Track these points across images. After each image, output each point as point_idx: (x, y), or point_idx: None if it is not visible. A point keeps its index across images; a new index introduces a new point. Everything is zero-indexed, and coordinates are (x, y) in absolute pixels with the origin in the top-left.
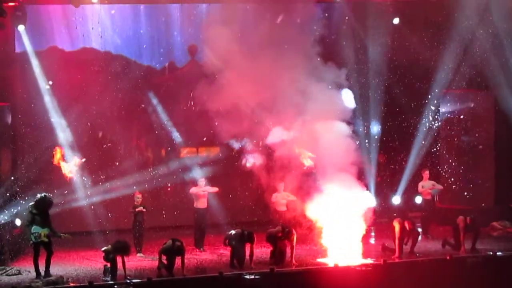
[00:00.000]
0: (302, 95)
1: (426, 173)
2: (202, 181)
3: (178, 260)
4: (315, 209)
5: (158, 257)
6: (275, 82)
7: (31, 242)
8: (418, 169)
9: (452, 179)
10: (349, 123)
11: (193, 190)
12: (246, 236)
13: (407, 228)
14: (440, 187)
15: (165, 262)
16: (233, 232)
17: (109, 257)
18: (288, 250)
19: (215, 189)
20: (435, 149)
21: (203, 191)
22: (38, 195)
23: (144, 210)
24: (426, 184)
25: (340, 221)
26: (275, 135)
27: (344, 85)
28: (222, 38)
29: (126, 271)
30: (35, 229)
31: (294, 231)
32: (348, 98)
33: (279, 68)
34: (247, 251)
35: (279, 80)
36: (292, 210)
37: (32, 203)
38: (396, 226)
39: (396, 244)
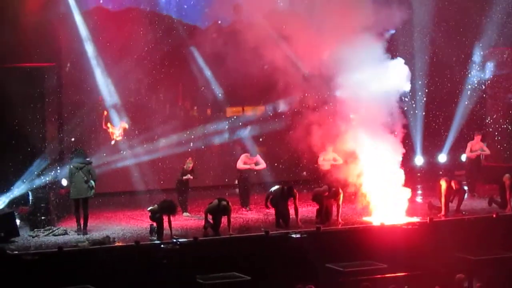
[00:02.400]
0: (349, 53)
1: (478, 137)
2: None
3: (224, 220)
4: (359, 170)
5: (204, 217)
6: (323, 39)
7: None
8: (465, 127)
9: (499, 137)
10: None
11: (240, 165)
12: (286, 191)
13: (454, 187)
14: (487, 152)
15: (211, 221)
16: (272, 189)
17: (155, 216)
18: (334, 209)
19: (263, 166)
20: (481, 106)
21: (251, 167)
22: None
23: (191, 177)
24: (475, 149)
25: (384, 180)
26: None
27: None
28: None
29: (172, 231)
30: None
31: (340, 191)
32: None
33: (327, 24)
34: (291, 209)
35: (328, 36)
36: (337, 173)
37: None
38: (443, 184)
39: (442, 203)
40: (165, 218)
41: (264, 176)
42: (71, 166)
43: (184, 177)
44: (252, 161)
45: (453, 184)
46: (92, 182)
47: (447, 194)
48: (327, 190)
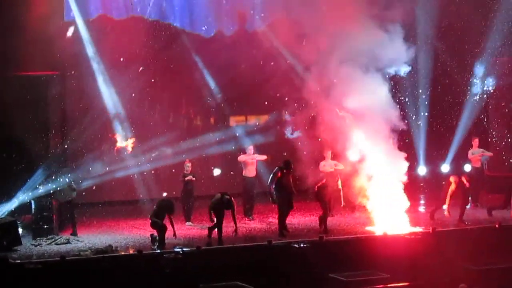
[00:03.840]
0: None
1: (476, 141)
2: (250, 149)
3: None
4: (362, 178)
5: (208, 214)
6: (326, 48)
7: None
8: (467, 137)
9: (501, 147)
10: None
11: (241, 158)
12: (285, 165)
13: (465, 182)
14: (489, 154)
15: (214, 219)
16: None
17: (158, 224)
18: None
19: (264, 157)
20: (484, 116)
21: (251, 159)
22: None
23: (194, 178)
24: (476, 152)
25: (386, 189)
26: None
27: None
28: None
29: (175, 228)
30: None
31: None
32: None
33: (331, 33)
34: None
35: (332, 45)
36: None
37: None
38: (452, 181)
39: (447, 199)
40: (168, 225)
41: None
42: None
43: (186, 178)
44: (250, 156)
45: (463, 179)
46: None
47: (455, 190)
48: (323, 177)
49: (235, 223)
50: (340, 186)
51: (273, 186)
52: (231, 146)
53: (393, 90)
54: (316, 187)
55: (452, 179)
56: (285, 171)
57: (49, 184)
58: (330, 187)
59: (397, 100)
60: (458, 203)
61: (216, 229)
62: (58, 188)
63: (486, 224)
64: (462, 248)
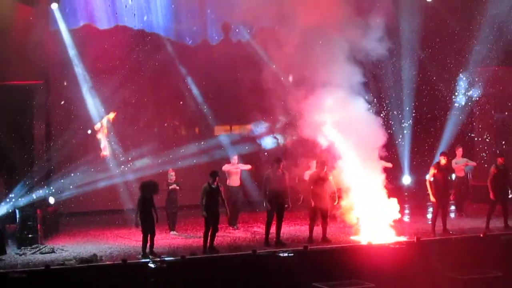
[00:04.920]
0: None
1: (459, 150)
2: (234, 159)
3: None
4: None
5: (200, 201)
6: (309, 60)
7: None
8: (452, 146)
9: (486, 156)
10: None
11: (225, 167)
12: (275, 161)
13: (444, 162)
14: (473, 163)
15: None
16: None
17: (143, 226)
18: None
19: (248, 166)
20: (468, 126)
21: (235, 168)
22: None
23: (178, 187)
24: (460, 161)
25: (371, 199)
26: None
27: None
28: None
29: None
30: None
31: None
32: None
33: (314, 45)
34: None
35: (315, 57)
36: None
37: None
38: (431, 171)
39: (429, 188)
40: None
41: (253, 195)
42: None
43: (171, 187)
44: (235, 165)
45: (442, 158)
46: None
47: (436, 176)
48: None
49: (224, 203)
50: (332, 183)
51: (267, 192)
52: (215, 155)
53: (377, 99)
54: (311, 188)
55: (431, 169)
56: (277, 172)
57: (35, 194)
58: (319, 196)
59: (382, 110)
60: (441, 213)
61: (209, 235)
62: None
63: (470, 233)
64: (447, 257)
